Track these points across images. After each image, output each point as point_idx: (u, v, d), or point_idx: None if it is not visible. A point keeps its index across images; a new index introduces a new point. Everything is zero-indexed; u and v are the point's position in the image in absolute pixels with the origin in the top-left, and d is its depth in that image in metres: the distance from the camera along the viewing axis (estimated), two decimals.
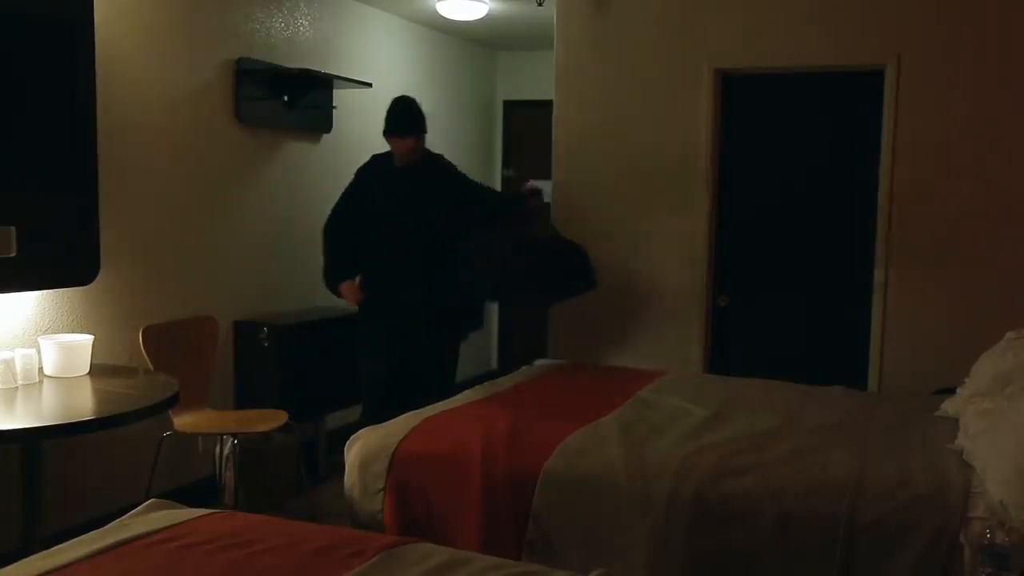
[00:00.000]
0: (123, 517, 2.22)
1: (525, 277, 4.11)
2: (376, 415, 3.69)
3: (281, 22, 4.95)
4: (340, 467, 3.07)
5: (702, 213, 4.56)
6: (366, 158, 4.53)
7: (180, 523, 2.16)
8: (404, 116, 4.27)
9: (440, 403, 3.30)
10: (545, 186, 4.75)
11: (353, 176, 4.46)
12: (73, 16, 3.60)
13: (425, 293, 4.22)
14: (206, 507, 2.33)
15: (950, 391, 3.26)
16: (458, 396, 3.48)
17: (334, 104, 5.25)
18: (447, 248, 4.21)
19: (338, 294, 4.36)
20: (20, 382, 3.23)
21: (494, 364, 7.41)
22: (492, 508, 2.68)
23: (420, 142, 4.28)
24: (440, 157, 4.50)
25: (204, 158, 4.47)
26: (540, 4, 5.12)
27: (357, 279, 4.32)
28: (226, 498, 4.08)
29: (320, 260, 4.47)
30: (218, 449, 4.13)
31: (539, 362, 4.38)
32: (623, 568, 2.51)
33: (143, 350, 3.93)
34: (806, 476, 2.52)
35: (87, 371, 3.46)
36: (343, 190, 4.44)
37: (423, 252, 4.22)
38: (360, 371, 4.41)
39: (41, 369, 3.38)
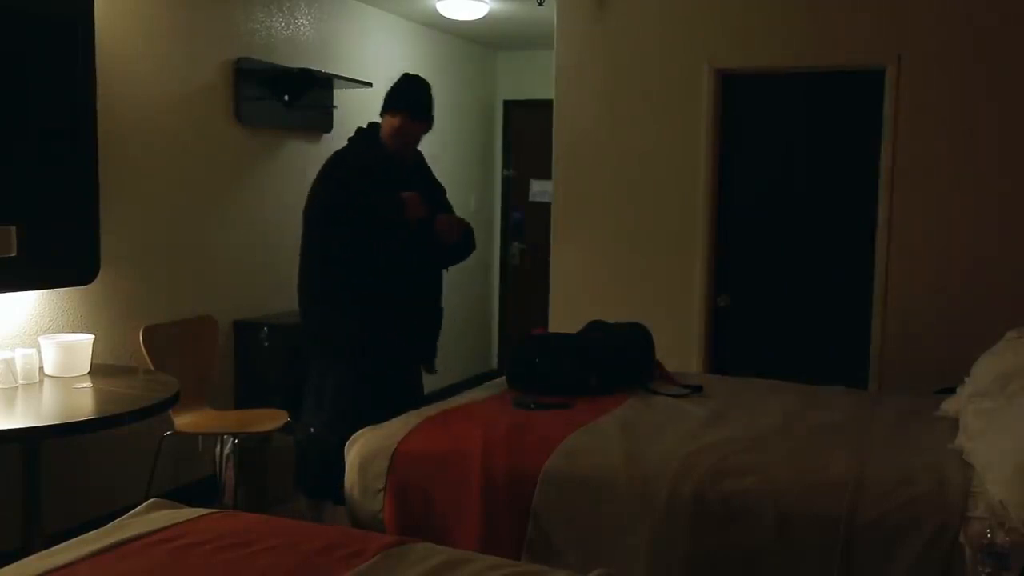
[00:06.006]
0: (123, 517, 2.22)
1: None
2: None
3: (281, 22, 4.95)
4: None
5: (702, 213, 4.56)
6: None
7: (180, 523, 2.16)
8: (429, 99, 3.63)
9: (440, 403, 3.30)
10: (545, 186, 4.72)
11: (335, 179, 3.54)
12: (73, 16, 3.60)
13: (438, 310, 3.76)
14: (206, 507, 2.33)
15: (950, 391, 3.25)
16: (458, 396, 3.48)
17: (334, 104, 5.25)
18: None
19: (400, 218, 3.41)
20: (20, 382, 3.24)
21: (494, 364, 7.42)
22: (492, 508, 2.68)
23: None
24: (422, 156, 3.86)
25: (204, 158, 4.48)
26: (540, 4, 5.12)
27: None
28: (226, 498, 4.08)
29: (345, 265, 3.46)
30: (218, 449, 4.13)
31: None
32: (623, 568, 2.51)
33: (143, 350, 3.93)
34: (806, 476, 2.52)
35: (87, 371, 3.47)
36: (332, 200, 3.49)
37: (428, 272, 3.70)
38: (340, 409, 3.50)
39: (41, 369, 3.39)
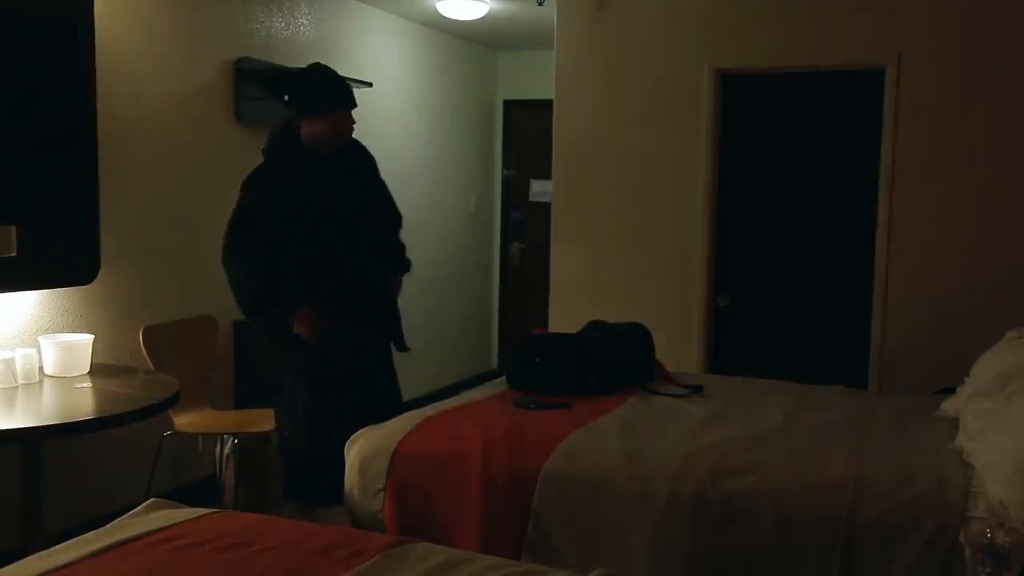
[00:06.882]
0: (123, 517, 2.22)
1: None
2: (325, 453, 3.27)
3: (281, 22, 4.95)
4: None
5: (702, 213, 4.56)
6: None
7: (180, 523, 2.16)
8: (344, 84, 3.55)
9: (440, 403, 3.30)
10: (545, 186, 4.72)
11: (254, 179, 3.59)
12: (73, 16, 3.60)
13: (384, 308, 3.69)
14: (206, 507, 2.33)
15: (950, 391, 3.25)
16: (458, 396, 3.48)
17: None
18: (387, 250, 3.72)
19: (286, 328, 3.47)
20: (20, 382, 3.24)
21: (494, 364, 7.42)
22: (492, 508, 2.68)
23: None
24: (359, 142, 3.74)
25: (204, 158, 4.47)
26: (540, 4, 5.12)
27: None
28: (226, 498, 4.08)
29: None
30: (218, 449, 4.13)
31: None
32: (623, 568, 2.51)
33: (143, 350, 3.93)
34: (806, 476, 2.52)
35: (87, 371, 3.47)
36: (249, 197, 3.57)
37: (377, 258, 3.64)
38: (312, 411, 3.55)
39: (41, 369, 3.39)
